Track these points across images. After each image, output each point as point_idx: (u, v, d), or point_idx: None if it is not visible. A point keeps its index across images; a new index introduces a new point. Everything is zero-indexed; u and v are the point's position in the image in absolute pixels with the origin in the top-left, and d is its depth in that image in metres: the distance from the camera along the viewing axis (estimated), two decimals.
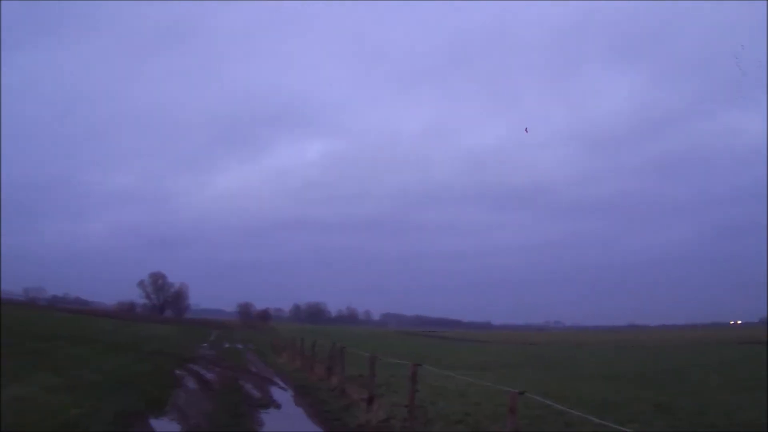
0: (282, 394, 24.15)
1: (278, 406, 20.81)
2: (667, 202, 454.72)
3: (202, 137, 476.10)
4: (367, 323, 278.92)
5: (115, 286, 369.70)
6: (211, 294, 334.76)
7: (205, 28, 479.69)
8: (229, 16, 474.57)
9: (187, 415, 17.32)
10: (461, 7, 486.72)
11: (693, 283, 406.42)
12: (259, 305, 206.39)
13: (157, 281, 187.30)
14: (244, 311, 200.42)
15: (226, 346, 64.67)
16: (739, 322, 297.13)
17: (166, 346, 51.46)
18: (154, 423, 16.13)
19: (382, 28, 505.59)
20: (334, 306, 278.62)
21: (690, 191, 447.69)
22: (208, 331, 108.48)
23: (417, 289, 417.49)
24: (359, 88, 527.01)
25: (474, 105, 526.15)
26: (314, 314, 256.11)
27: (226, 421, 16.90)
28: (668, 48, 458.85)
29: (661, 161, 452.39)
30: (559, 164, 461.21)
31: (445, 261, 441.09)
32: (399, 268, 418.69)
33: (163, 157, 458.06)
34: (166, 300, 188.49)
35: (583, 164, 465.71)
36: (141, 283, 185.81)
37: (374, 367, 20.88)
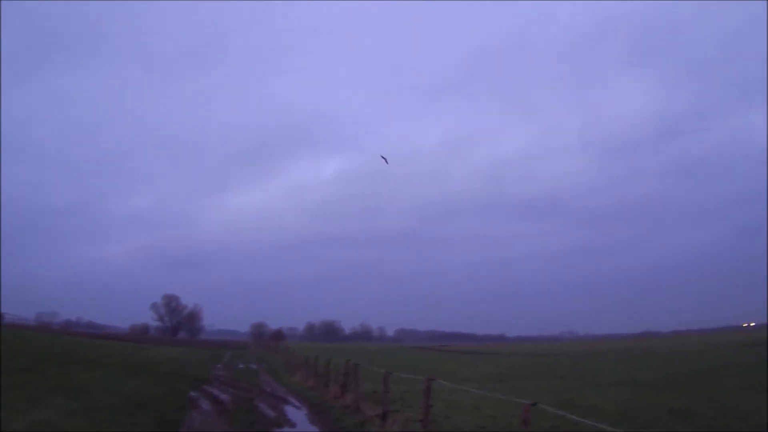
0: (296, 413, 24.27)
1: (293, 425, 20.93)
2: (684, 205, 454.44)
3: (219, 158, 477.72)
4: (382, 340, 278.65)
5: (129, 310, 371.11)
6: (225, 315, 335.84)
7: (223, 48, 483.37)
8: (246, 35, 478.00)
9: None
10: (478, 17, 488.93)
11: (707, 287, 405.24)
12: (273, 325, 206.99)
13: (171, 303, 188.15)
14: (258, 331, 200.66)
15: (240, 366, 64.72)
16: (753, 324, 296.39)
17: (180, 368, 51.60)
18: None
19: (400, 41, 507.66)
20: (348, 323, 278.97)
21: (707, 194, 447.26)
22: (222, 352, 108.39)
23: (431, 304, 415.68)
24: (377, 102, 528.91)
25: (492, 115, 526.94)
26: (328, 332, 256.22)
27: None
28: (684, 50, 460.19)
29: (678, 165, 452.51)
30: (577, 172, 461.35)
31: (460, 274, 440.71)
32: (413, 283, 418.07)
33: (181, 179, 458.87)
34: (179, 322, 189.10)
35: (600, 171, 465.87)
36: (154, 306, 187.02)
37: (388, 383, 21.04)
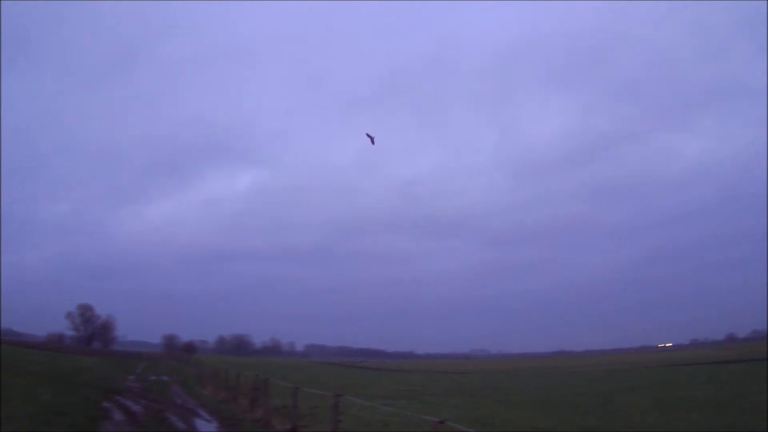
0: (206, 426, 24.38)
1: None
2: (598, 227, 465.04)
3: (136, 168, 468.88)
4: (291, 354, 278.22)
5: (45, 318, 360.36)
6: (138, 326, 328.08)
7: (142, 57, 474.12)
8: (166, 45, 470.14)
9: None
10: (397, 35, 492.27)
11: (621, 307, 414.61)
12: (185, 337, 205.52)
13: (85, 313, 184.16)
14: (170, 343, 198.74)
15: (152, 378, 64.05)
16: (669, 344, 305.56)
17: (94, 378, 51.02)
18: None
19: (318, 57, 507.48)
20: (259, 337, 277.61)
21: (622, 216, 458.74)
22: (134, 363, 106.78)
23: (341, 319, 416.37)
24: (293, 118, 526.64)
25: (407, 133, 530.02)
26: (239, 346, 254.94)
27: None
28: (602, 74, 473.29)
29: (593, 187, 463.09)
30: (490, 192, 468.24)
31: (370, 291, 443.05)
32: (324, 298, 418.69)
33: (97, 188, 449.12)
34: (93, 332, 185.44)
35: (514, 191, 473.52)
36: (69, 315, 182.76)
37: (297, 398, 21.41)
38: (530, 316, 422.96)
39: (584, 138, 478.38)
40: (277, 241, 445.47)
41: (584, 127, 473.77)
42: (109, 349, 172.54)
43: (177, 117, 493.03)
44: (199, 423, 25.30)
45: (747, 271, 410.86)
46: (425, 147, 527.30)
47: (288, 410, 23.07)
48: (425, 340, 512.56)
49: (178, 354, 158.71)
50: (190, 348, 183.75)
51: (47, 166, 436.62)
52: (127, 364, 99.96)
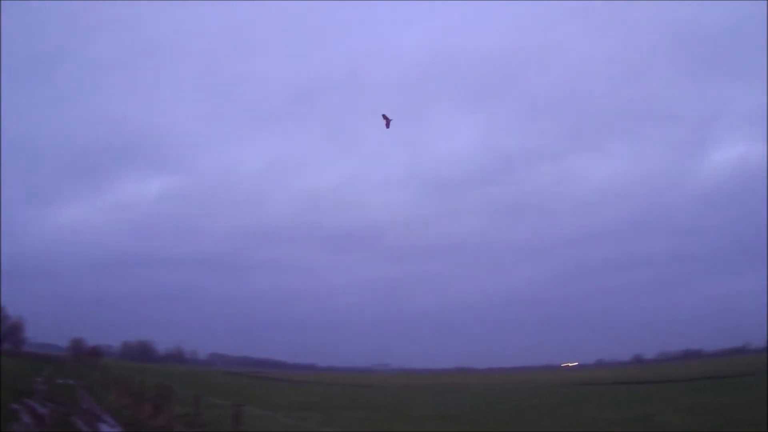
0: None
1: None
2: (504, 245, 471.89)
3: (48, 168, 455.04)
4: (195, 362, 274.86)
5: None
6: (46, 328, 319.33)
7: (58, 60, 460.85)
8: (82, 46, 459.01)
9: None
10: (309, 46, 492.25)
11: (526, 326, 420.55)
12: (92, 341, 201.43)
13: None
14: (77, 347, 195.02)
15: (59, 381, 63.83)
16: (574, 364, 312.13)
17: (4, 380, 50.77)
18: None
19: (231, 66, 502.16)
20: (163, 344, 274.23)
21: (529, 235, 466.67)
22: (42, 365, 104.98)
23: (244, 329, 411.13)
24: (205, 125, 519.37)
25: (316, 146, 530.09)
26: (143, 352, 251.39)
27: None
28: (514, 94, 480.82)
29: (501, 205, 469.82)
30: (398, 207, 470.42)
31: (275, 301, 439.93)
32: (228, 307, 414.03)
33: (9, 188, 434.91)
34: (2, 333, 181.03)
35: (421, 207, 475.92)
36: None
37: (199, 407, 22.14)
38: (433, 331, 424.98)
39: (494, 156, 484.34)
40: (184, 248, 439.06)
41: (494, 146, 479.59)
42: (18, 351, 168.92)
43: (91, 119, 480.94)
44: (104, 428, 25.95)
45: (655, 294, 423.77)
46: (335, 160, 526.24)
47: (190, 418, 23.45)
48: (327, 352, 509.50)
49: (85, 358, 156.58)
50: (96, 352, 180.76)
51: None
52: (35, 366, 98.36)
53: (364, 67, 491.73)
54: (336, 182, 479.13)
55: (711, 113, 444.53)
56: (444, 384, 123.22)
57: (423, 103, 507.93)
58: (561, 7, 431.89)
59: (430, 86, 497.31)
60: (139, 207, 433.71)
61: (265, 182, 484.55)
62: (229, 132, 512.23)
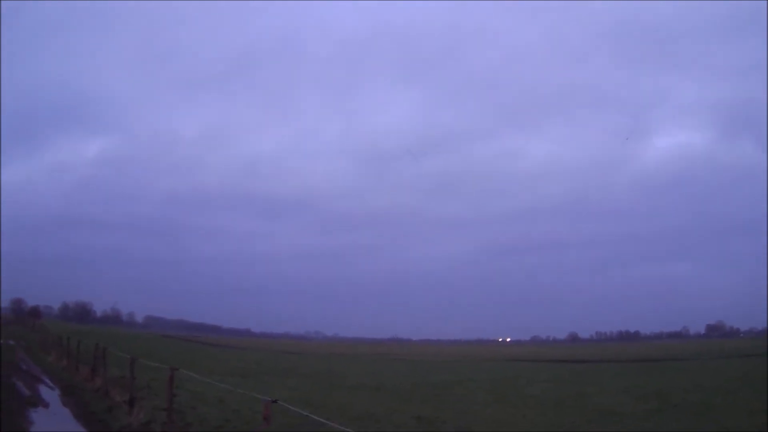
0: (50, 393, 25.20)
1: (46, 406, 21.80)
2: (440, 219, 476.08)
3: None
4: (131, 325, 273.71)
5: None
6: None
7: None
8: (18, 12, 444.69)
9: None
10: (247, 14, 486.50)
11: (460, 300, 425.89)
12: (31, 302, 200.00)
13: None
14: (17, 307, 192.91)
15: None
16: (508, 339, 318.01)
17: None
18: None
19: (168, 31, 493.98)
20: (100, 306, 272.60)
21: (464, 210, 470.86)
22: None
23: (180, 292, 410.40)
24: (143, 89, 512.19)
25: (253, 112, 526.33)
26: (81, 314, 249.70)
27: None
28: (452, 70, 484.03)
29: (437, 179, 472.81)
30: (332, 176, 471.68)
31: (211, 266, 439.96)
32: (164, 270, 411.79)
33: None
34: None
35: (356, 178, 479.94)
36: None
37: (134, 370, 22.32)
38: (367, 301, 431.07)
39: (429, 131, 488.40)
40: (122, 210, 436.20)
41: (430, 121, 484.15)
42: None
43: (30, 82, 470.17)
44: (43, 389, 26.30)
45: (592, 274, 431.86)
46: (272, 127, 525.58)
47: (126, 381, 23.68)
48: (262, 318, 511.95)
49: (24, 318, 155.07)
50: (35, 313, 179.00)
51: None
52: None
53: (303, 39, 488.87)
54: (272, 149, 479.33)
55: (651, 101, 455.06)
56: (377, 354, 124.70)
57: (360, 75, 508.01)
58: None
59: (367, 59, 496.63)
60: (77, 169, 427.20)
61: (201, 147, 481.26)
62: (167, 96, 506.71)
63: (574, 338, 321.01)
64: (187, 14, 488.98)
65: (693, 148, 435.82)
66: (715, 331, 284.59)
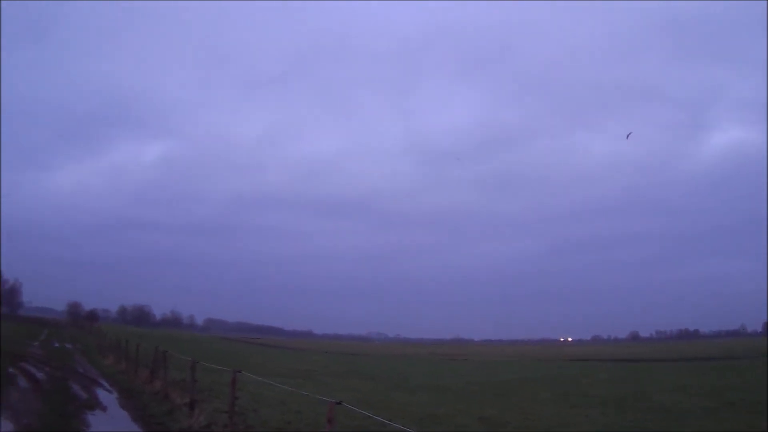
0: (107, 397, 24.76)
1: (104, 409, 21.30)
2: (501, 217, 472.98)
3: (46, 132, 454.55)
4: (191, 328, 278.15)
5: None
6: (43, 292, 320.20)
7: (55, 24, 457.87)
8: (81, 14, 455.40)
9: (19, 414, 18.33)
10: (302, 15, 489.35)
11: (523, 299, 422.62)
12: (88, 305, 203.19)
13: None
14: (74, 311, 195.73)
15: (56, 345, 64.11)
16: (570, 339, 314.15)
17: (1, 343, 50.91)
18: None
19: (226, 34, 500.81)
20: (159, 309, 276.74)
21: (527, 208, 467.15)
22: (39, 329, 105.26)
23: (241, 295, 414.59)
24: (202, 92, 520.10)
25: (312, 114, 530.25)
26: (140, 317, 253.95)
27: (55, 421, 17.49)
28: (510, 68, 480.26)
29: (499, 177, 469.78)
30: (392, 176, 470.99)
31: (271, 268, 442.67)
32: (225, 273, 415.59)
33: (5, 150, 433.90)
34: (0, 296, 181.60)
35: (417, 177, 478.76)
36: None
37: (195, 373, 21.84)
38: (429, 302, 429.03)
39: (491, 129, 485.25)
40: (181, 213, 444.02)
41: (492, 119, 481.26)
42: (15, 314, 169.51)
43: (90, 84, 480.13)
44: (100, 393, 25.80)
45: (651, 272, 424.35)
46: (331, 128, 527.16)
47: (186, 384, 23.33)
48: (324, 320, 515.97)
49: (82, 322, 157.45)
50: (93, 316, 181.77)
51: None
52: (32, 330, 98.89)
53: (360, 38, 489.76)
54: (332, 150, 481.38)
55: (708, 96, 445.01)
56: (440, 354, 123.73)
57: (419, 74, 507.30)
58: None
59: (426, 58, 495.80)
60: (137, 172, 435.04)
61: (261, 149, 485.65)
62: (225, 98, 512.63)
63: (634, 337, 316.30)
64: (246, 16, 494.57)
65: (750, 145, 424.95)
66: None
